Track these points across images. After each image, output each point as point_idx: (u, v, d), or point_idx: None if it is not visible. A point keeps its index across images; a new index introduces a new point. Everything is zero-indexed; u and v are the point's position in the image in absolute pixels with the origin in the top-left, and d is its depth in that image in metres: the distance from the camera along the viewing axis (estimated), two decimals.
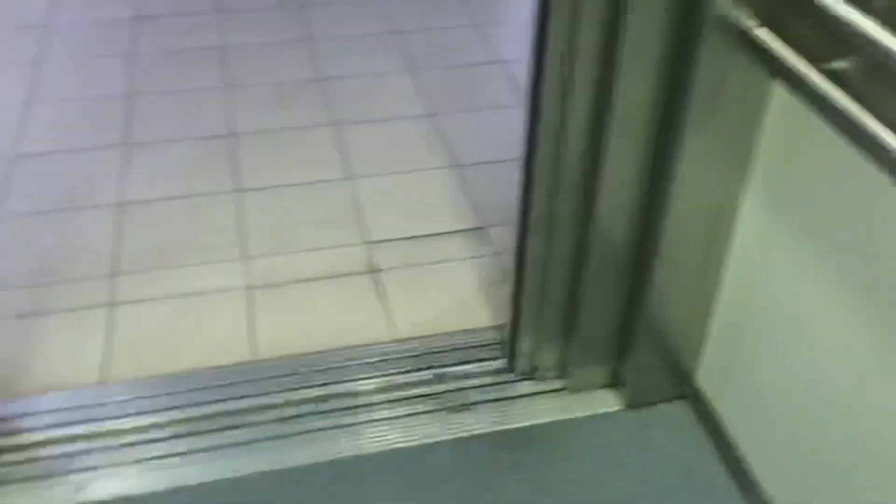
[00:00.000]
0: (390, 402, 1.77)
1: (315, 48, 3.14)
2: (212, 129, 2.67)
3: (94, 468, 1.61)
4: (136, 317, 1.98)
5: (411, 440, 1.69)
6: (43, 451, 1.63)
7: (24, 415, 1.67)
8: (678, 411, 1.76)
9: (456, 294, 2.06)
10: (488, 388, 1.80)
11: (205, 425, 1.70)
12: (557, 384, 1.81)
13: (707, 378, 1.72)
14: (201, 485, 1.59)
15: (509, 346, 1.82)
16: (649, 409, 1.76)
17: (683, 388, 1.77)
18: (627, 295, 1.66)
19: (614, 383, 1.80)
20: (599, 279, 1.63)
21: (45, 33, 3.17)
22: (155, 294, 2.04)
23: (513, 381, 1.81)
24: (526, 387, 1.80)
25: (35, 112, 2.73)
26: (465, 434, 1.70)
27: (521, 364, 1.82)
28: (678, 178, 1.43)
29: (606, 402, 1.78)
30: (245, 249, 2.19)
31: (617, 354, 1.76)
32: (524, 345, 1.78)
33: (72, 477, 1.59)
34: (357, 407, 1.75)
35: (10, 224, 2.26)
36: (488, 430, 1.71)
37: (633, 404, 1.76)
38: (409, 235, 2.25)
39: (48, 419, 1.70)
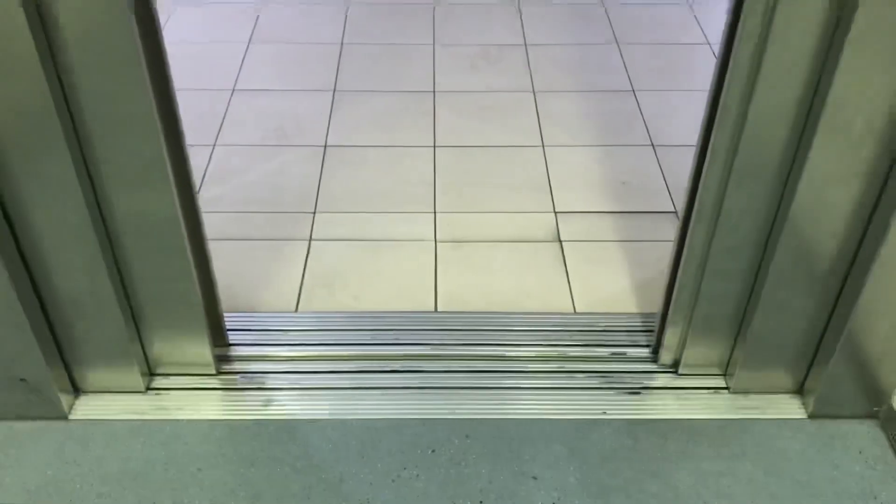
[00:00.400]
0: (561, 372, 1.78)
1: (524, 12, 3.15)
2: (415, 84, 2.75)
3: (280, 388, 1.73)
4: (332, 253, 2.09)
5: (577, 413, 1.69)
6: (239, 366, 1.77)
7: (228, 331, 1.81)
8: (867, 430, 1.66)
9: (638, 274, 2.03)
10: (657, 375, 1.77)
11: (381, 365, 1.78)
12: (720, 382, 1.76)
13: None
14: (370, 420, 1.67)
15: (656, 336, 1.79)
16: (835, 422, 1.67)
17: (876, 406, 1.67)
18: (827, 301, 1.57)
19: (799, 390, 1.72)
20: (790, 281, 1.54)
21: None
22: (350, 235, 2.14)
23: (679, 374, 1.77)
24: (691, 381, 1.76)
25: (254, 51, 2.91)
26: (631, 416, 1.69)
27: (665, 356, 1.77)
28: None
29: (789, 408, 1.70)
30: (436, 204, 2.25)
31: (807, 361, 1.67)
32: (669, 338, 1.73)
33: (260, 393, 1.72)
34: (527, 372, 1.77)
35: (225, 153, 2.44)
36: (657, 416, 1.69)
37: (817, 415, 1.68)
38: (598, 210, 2.23)
39: (247, 337, 1.84)
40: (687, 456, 1.61)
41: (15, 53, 1.25)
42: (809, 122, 1.36)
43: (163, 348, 1.72)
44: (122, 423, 1.66)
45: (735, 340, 1.70)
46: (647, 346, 1.83)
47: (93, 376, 1.70)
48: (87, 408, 1.69)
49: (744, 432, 1.65)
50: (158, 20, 1.35)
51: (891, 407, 1.64)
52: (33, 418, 1.66)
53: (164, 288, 1.60)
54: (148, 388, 1.73)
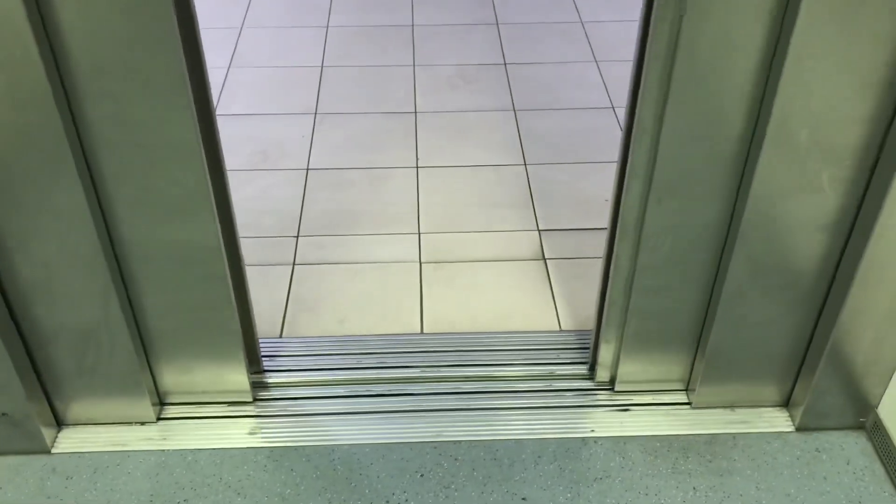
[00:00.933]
0: (549, 391, 1.77)
1: (501, 32, 3.16)
2: (396, 105, 2.75)
3: (267, 416, 1.71)
4: (315, 277, 2.08)
5: (567, 433, 1.69)
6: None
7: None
8: (854, 441, 1.66)
9: None
10: (646, 393, 1.77)
11: (367, 389, 1.76)
12: (681, 398, 1.76)
13: (891, 410, 1.61)
14: (357, 445, 1.65)
15: (591, 353, 1.79)
16: (822, 434, 1.68)
17: (863, 417, 1.67)
18: (809, 314, 1.58)
19: (786, 403, 1.73)
20: (749, 296, 1.54)
21: (249, 3, 3.36)
22: (333, 258, 2.13)
23: (615, 391, 1.78)
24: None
25: (234, 76, 2.91)
26: (621, 434, 1.68)
27: (601, 373, 1.77)
28: (889, 200, 1.34)
29: (776, 421, 1.70)
30: (419, 225, 2.25)
31: (792, 374, 1.68)
32: (603, 355, 1.73)
33: (247, 420, 1.70)
34: (516, 392, 1.77)
35: None
36: (646, 433, 1.68)
37: (804, 427, 1.68)
38: (582, 227, 2.23)
39: None
40: (678, 472, 1.60)
41: (27, 85, 1.23)
42: (756, 137, 1.36)
43: (195, 377, 1.69)
44: (111, 454, 1.64)
45: (694, 356, 1.70)
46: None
47: (99, 407, 1.67)
48: (74, 440, 1.67)
49: (736, 446, 1.65)
50: (201, 41, 1.32)
51: (877, 417, 1.64)
52: (14, 452, 1.64)
53: (200, 316, 1.58)
54: (158, 418, 1.72)
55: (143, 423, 1.69)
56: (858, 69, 1.26)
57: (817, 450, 1.65)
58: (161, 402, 1.74)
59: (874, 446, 1.65)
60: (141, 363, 1.62)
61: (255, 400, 1.74)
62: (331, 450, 1.65)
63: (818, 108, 1.30)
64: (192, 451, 1.65)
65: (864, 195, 1.40)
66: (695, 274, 1.56)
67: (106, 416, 1.69)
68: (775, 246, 1.47)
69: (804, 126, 1.32)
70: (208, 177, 1.39)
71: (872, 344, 1.55)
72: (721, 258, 1.53)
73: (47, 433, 1.64)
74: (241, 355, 1.66)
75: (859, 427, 1.69)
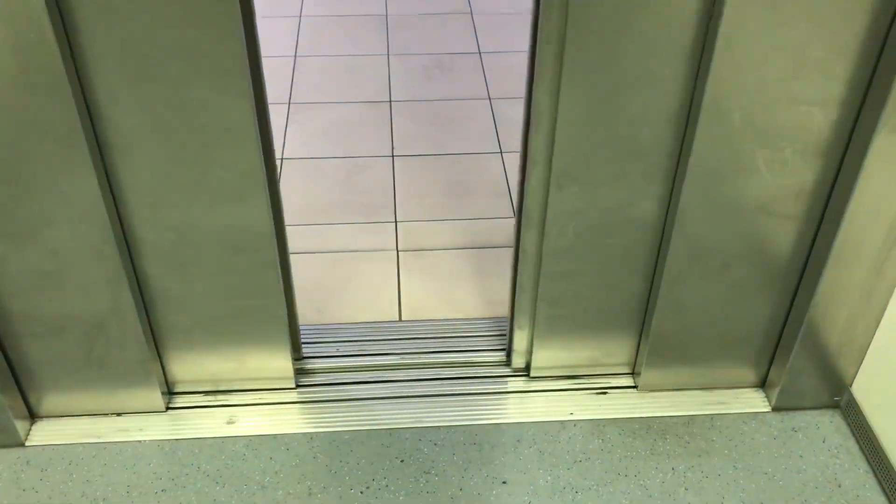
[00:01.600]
0: (527, 377, 1.77)
1: (476, 21, 3.16)
2: (371, 94, 2.74)
3: (244, 405, 1.70)
4: (293, 267, 2.06)
5: (546, 416, 1.69)
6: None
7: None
8: (829, 420, 1.68)
9: None
10: (624, 375, 1.78)
11: (346, 377, 1.76)
12: (627, 381, 1.77)
13: (864, 389, 1.63)
14: (336, 432, 1.65)
15: (508, 340, 1.79)
16: (797, 413, 1.70)
17: (837, 396, 1.69)
18: (783, 296, 1.59)
19: (762, 385, 1.75)
20: (689, 280, 1.55)
21: None
22: (310, 247, 2.12)
23: (532, 378, 1.78)
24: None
25: None
26: (600, 416, 1.69)
27: (516, 360, 1.77)
28: (861, 180, 1.36)
29: (752, 402, 1.72)
30: (396, 213, 2.24)
31: (767, 356, 1.70)
32: (518, 342, 1.73)
33: (223, 410, 1.69)
34: (495, 377, 1.77)
35: None
36: (624, 415, 1.69)
37: (780, 407, 1.70)
38: None
39: None
40: (657, 454, 1.62)
41: (44, 70, 1.20)
42: (690, 119, 1.36)
43: (239, 364, 1.68)
44: (89, 446, 1.62)
45: (639, 340, 1.72)
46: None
47: (109, 398, 1.65)
48: (47, 433, 1.65)
49: (713, 427, 1.67)
50: (256, 25, 1.29)
51: (851, 396, 1.66)
52: None
53: (245, 304, 1.56)
54: (168, 408, 1.70)
55: (150, 413, 1.69)
56: (793, 50, 1.26)
57: (793, 429, 1.67)
58: (170, 391, 1.72)
59: (849, 424, 1.67)
60: (151, 353, 1.60)
61: (232, 391, 1.73)
62: (310, 437, 1.64)
63: (751, 90, 1.30)
64: (172, 440, 1.63)
65: (835, 176, 1.42)
66: (616, 258, 1.56)
67: (115, 407, 1.67)
68: (715, 228, 1.48)
69: (737, 108, 1.32)
70: (263, 162, 1.37)
71: (846, 324, 1.57)
72: (661, 242, 1.54)
73: (20, 426, 1.61)
74: (287, 341, 1.65)
75: (834, 406, 1.71)
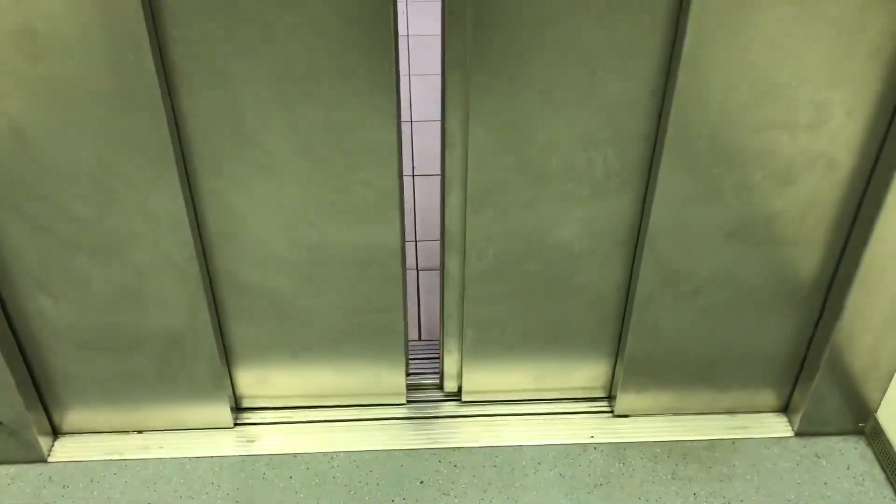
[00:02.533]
0: (548, 399, 1.77)
1: None
2: None
3: (265, 423, 1.71)
4: None
5: (566, 439, 1.68)
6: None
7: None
8: (853, 446, 1.67)
9: None
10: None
11: (363, 399, 1.75)
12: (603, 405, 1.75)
13: (890, 415, 1.61)
14: (355, 452, 1.65)
15: (440, 364, 1.76)
16: (821, 439, 1.68)
17: (862, 422, 1.67)
18: (806, 320, 1.58)
19: (784, 409, 1.73)
20: (661, 302, 1.52)
21: None
22: None
23: (463, 402, 1.73)
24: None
25: None
26: (620, 440, 1.68)
27: (448, 384, 1.75)
28: (886, 206, 1.35)
29: (775, 426, 1.70)
30: (415, 233, 2.25)
31: (791, 379, 1.68)
32: (448, 365, 1.71)
33: (243, 429, 1.70)
34: (515, 401, 1.76)
35: None
36: (645, 439, 1.68)
37: (803, 433, 1.68)
38: None
39: None
40: (678, 478, 1.60)
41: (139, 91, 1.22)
42: (657, 145, 1.35)
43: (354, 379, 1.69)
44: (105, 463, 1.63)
45: (615, 362, 1.70)
46: None
47: (177, 413, 1.66)
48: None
49: (735, 451, 1.65)
50: (398, 45, 1.30)
51: (876, 422, 1.64)
52: (12, 462, 1.62)
53: (366, 319, 1.56)
54: (235, 424, 1.71)
55: (219, 429, 1.69)
56: (756, 75, 1.26)
57: (817, 455, 1.65)
58: (238, 407, 1.73)
59: (874, 451, 1.65)
60: (224, 369, 1.60)
61: (258, 408, 1.73)
62: (330, 457, 1.64)
63: (715, 117, 1.30)
64: (189, 458, 1.64)
65: (859, 201, 1.41)
66: (554, 281, 1.53)
67: (184, 422, 1.67)
68: (682, 254, 1.46)
69: (701, 134, 1.31)
70: (401, 180, 1.39)
71: (871, 349, 1.56)
72: (633, 264, 1.52)
73: (43, 442, 1.62)
74: (403, 357, 1.65)
75: (859, 432, 1.69)
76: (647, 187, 1.41)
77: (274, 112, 1.28)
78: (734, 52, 1.23)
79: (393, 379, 1.68)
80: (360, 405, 1.74)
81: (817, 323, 1.59)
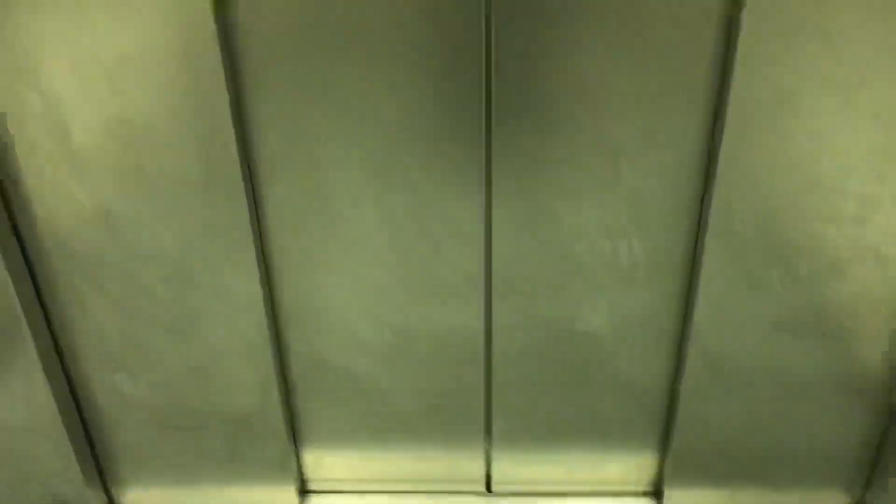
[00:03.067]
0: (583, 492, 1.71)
1: None
2: None
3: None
4: None
5: None
6: None
7: None
8: None
9: None
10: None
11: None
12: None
13: None
14: None
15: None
16: None
17: None
18: (863, 419, 1.54)
19: None
20: (708, 393, 1.50)
21: None
22: None
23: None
24: None
25: None
26: None
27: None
28: None
29: None
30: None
31: (863, 481, 1.61)
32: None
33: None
34: (549, 493, 1.71)
35: None
36: None
37: None
38: None
39: None
40: None
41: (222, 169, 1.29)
42: (699, 234, 1.35)
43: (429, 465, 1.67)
44: None
45: (661, 456, 1.64)
46: None
47: (241, 495, 1.66)
48: None
49: None
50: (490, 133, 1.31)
51: None
52: None
53: (443, 402, 1.56)
54: None
55: None
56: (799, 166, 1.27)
57: None
58: (304, 489, 1.72)
59: None
60: (292, 450, 1.62)
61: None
62: None
63: (759, 206, 1.30)
64: None
65: None
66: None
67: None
68: (729, 345, 1.45)
69: (746, 224, 1.32)
70: (487, 265, 1.41)
71: None
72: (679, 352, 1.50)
73: None
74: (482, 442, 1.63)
75: None
76: (690, 277, 1.43)
77: (366, 200, 1.33)
78: (776, 143, 1.24)
79: (474, 466, 1.66)
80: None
81: (890, 417, 1.54)
